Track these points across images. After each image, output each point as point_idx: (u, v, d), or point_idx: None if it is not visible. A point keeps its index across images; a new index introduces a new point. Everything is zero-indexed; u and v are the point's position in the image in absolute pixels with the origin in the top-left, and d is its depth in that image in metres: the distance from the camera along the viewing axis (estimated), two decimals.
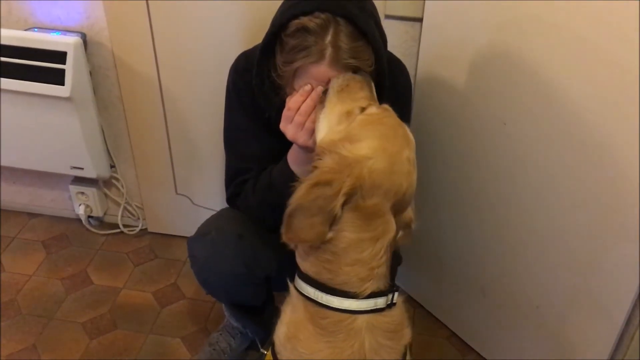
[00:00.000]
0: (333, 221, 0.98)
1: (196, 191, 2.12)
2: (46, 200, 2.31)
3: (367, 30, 1.18)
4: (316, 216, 0.97)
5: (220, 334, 1.78)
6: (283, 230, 0.99)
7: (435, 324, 1.92)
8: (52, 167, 2.07)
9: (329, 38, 1.16)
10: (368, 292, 1.02)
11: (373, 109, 1.08)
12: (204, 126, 1.94)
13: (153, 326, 1.91)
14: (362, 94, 1.13)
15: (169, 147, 2.02)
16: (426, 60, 1.62)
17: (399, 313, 1.08)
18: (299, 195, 0.97)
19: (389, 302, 1.06)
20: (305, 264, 1.06)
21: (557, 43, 1.29)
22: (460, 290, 1.82)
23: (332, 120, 1.10)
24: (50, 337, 1.87)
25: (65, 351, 1.82)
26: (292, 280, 1.10)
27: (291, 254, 1.10)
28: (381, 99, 1.26)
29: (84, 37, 1.84)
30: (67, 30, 1.86)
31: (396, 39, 1.65)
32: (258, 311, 1.70)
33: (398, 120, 1.09)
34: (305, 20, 1.16)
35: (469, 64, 1.50)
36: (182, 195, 2.13)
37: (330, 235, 0.99)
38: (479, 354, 1.84)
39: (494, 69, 1.45)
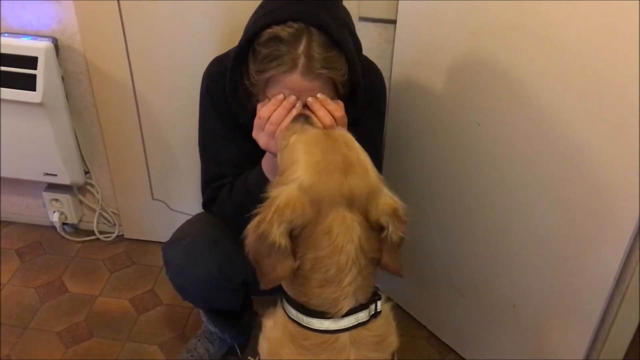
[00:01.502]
0: (293, 250, 0.97)
1: (173, 196, 2.10)
2: (19, 208, 2.28)
3: (341, 40, 1.18)
4: (271, 254, 0.96)
5: (199, 340, 1.77)
6: (259, 278, 1.00)
7: (414, 325, 1.92)
8: (25, 174, 2.04)
9: (301, 48, 1.16)
10: (344, 311, 1.00)
11: (292, 138, 1.07)
12: (179, 130, 1.93)
13: (130, 333, 1.89)
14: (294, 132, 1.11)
15: (145, 152, 2.00)
16: (400, 62, 1.62)
17: (383, 323, 1.06)
18: (248, 241, 0.99)
19: (373, 313, 1.04)
20: (285, 286, 1.06)
21: (530, 44, 1.30)
22: (438, 291, 1.82)
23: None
24: (25, 347, 1.84)
25: None
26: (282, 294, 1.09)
27: None
28: (355, 107, 1.27)
29: (55, 41, 1.82)
30: (38, 35, 1.83)
31: (370, 41, 1.65)
32: (236, 316, 1.69)
33: (316, 131, 1.08)
34: (277, 29, 1.16)
35: (443, 65, 1.51)
36: (158, 200, 2.11)
37: (298, 262, 0.98)
38: (457, 353, 1.84)
39: (468, 70, 1.45)
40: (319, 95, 1.21)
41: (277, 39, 1.16)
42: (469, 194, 1.59)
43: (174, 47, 1.77)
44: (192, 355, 1.74)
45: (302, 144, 1.04)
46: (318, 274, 0.98)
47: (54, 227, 2.24)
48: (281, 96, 1.20)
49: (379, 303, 1.05)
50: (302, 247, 0.98)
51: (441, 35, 1.48)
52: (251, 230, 0.98)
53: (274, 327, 1.09)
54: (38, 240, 2.24)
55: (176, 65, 1.80)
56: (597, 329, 1.41)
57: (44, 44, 1.77)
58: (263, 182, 1.25)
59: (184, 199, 2.07)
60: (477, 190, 1.56)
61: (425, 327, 1.92)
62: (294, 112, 1.20)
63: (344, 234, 0.97)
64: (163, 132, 1.95)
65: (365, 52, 1.66)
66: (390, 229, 1.00)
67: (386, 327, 1.07)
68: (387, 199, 1.01)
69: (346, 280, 0.98)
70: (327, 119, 1.20)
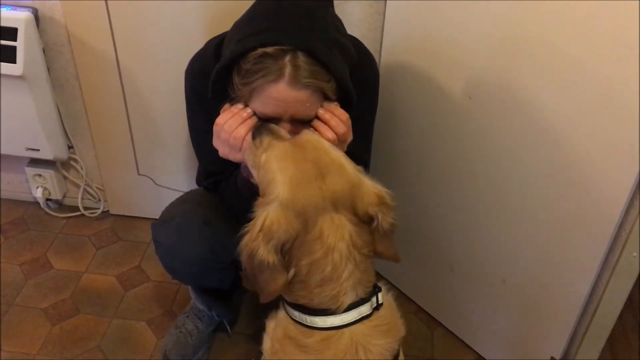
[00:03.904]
0: (288, 261, 1.00)
1: (159, 171, 2.07)
2: (2, 184, 2.23)
3: (329, 64, 1.14)
4: (264, 271, 0.98)
5: (187, 317, 1.76)
6: (258, 293, 1.02)
7: (403, 299, 1.93)
8: (7, 149, 1.99)
9: (288, 58, 1.12)
10: (345, 305, 1.02)
11: (262, 157, 1.08)
12: (164, 105, 1.89)
13: (117, 310, 1.88)
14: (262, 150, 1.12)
15: (129, 127, 1.97)
16: (391, 34, 1.59)
17: (387, 313, 1.08)
18: (242, 259, 1.01)
19: (375, 306, 1.05)
20: (283, 294, 1.07)
21: (523, 20, 1.28)
22: (427, 266, 1.82)
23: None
24: (11, 324, 1.82)
25: (26, 338, 1.78)
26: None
27: None
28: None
29: (35, 12, 1.76)
30: (17, 6, 1.77)
31: (361, 12, 1.62)
32: (225, 294, 1.68)
33: (283, 144, 1.09)
34: (264, 49, 1.12)
35: (434, 36, 1.48)
36: (144, 175, 2.08)
37: (292, 272, 1.01)
38: (446, 327, 1.85)
39: (459, 42, 1.43)
40: (326, 104, 1.20)
41: (263, 55, 1.12)
42: (458, 167, 1.58)
43: (159, 17, 1.72)
44: (180, 332, 1.73)
45: (274, 162, 1.05)
46: (315, 275, 1.00)
47: (37, 203, 2.20)
48: (240, 105, 1.20)
49: (379, 295, 1.07)
50: (297, 256, 1.00)
51: (432, 5, 1.46)
52: (242, 249, 1.00)
53: (277, 328, 1.11)
54: (21, 217, 2.20)
55: (161, 36, 1.75)
56: (586, 302, 1.42)
57: (24, 15, 1.71)
58: (249, 184, 1.25)
59: (170, 174, 2.04)
60: (466, 163, 1.55)
61: (414, 301, 1.92)
62: (250, 122, 1.19)
63: (334, 234, 0.99)
64: (148, 105, 1.91)
65: (355, 24, 1.64)
66: (380, 217, 1.02)
67: (390, 317, 1.09)
68: (370, 188, 1.03)
69: (344, 275, 1.01)
70: (339, 129, 1.19)
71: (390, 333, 1.07)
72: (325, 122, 1.20)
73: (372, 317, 1.05)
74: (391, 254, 1.07)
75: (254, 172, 1.13)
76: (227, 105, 1.23)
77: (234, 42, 1.16)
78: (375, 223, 1.02)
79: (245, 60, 1.14)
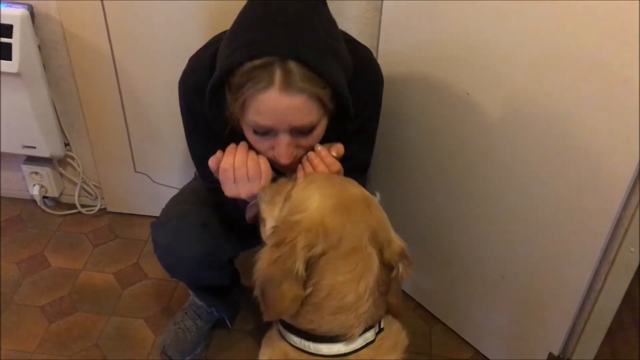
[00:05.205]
0: (306, 280, 0.95)
1: (156, 169, 2.06)
2: None
3: (322, 70, 1.07)
4: (283, 282, 0.93)
5: (186, 313, 1.76)
6: (262, 310, 0.98)
7: (401, 296, 1.92)
8: (3, 147, 1.98)
9: (277, 65, 1.05)
10: (356, 336, 0.99)
11: (299, 182, 1.07)
12: (161, 102, 1.88)
13: (115, 307, 1.87)
14: (287, 189, 1.08)
15: (126, 124, 1.96)
16: (388, 29, 1.59)
17: (391, 330, 1.07)
18: (260, 267, 0.96)
19: (377, 330, 1.04)
20: (288, 317, 1.03)
21: (519, 14, 1.28)
22: (426, 262, 1.82)
23: (271, 219, 1.07)
24: (8, 323, 1.81)
25: (24, 336, 1.78)
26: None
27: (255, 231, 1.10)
28: (347, 120, 1.21)
29: (30, 9, 1.75)
30: (12, 2, 1.76)
31: (357, 8, 1.61)
32: (225, 290, 1.68)
33: (323, 173, 1.11)
34: (252, 62, 1.06)
35: (432, 31, 1.48)
36: (141, 173, 2.08)
37: (308, 290, 0.96)
38: (445, 324, 1.85)
39: (457, 37, 1.43)
40: (317, 148, 1.17)
41: (251, 69, 1.06)
42: (458, 163, 1.58)
43: (155, 14, 1.71)
44: (179, 328, 1.73)
45: (315, 184, 1.03)
46: (334, 301, 0.96)
47: (34, 201, 2.20)
48: (232, 145, 1.18)
49: (382, 320, 1.05)
50: (318, 274, 0.95)
51: (430, 2, 1.45)
52: (266, 253, 0.96)
53: (276, 350, 1.07)
54: (18, 215, 2.20)
55: (157, 33, 1.74)
56: (583, 299, 1.42)
57: (20, 12, 1.70)
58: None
59: (167, 171, 2.04)
60: (466, 160, 1.55)
61: (412, 297, 1.92)
62: (252, 155, 1.17)
63: (364, 264, 0.96)
64: (144, 103, 1.91)
65: (352, 20, 1.63)
66: (401, 269, 1.01)
67: (393, 332, 1.07)
68: (396, 239, 1.03)
69: (361, 308, 0.97)
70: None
71: (396, 348, 1.06)
72: (313, 167, 1.16)
73: (376, 340, 1.03)
74: (399, 310, 1.06)
75: (264, 207, 1.11)
76: (219, 153, 1.19)
77: (222, 59, 1.11)
78: (394, 273, 1.01)
79: (234, 76, 1.08)
